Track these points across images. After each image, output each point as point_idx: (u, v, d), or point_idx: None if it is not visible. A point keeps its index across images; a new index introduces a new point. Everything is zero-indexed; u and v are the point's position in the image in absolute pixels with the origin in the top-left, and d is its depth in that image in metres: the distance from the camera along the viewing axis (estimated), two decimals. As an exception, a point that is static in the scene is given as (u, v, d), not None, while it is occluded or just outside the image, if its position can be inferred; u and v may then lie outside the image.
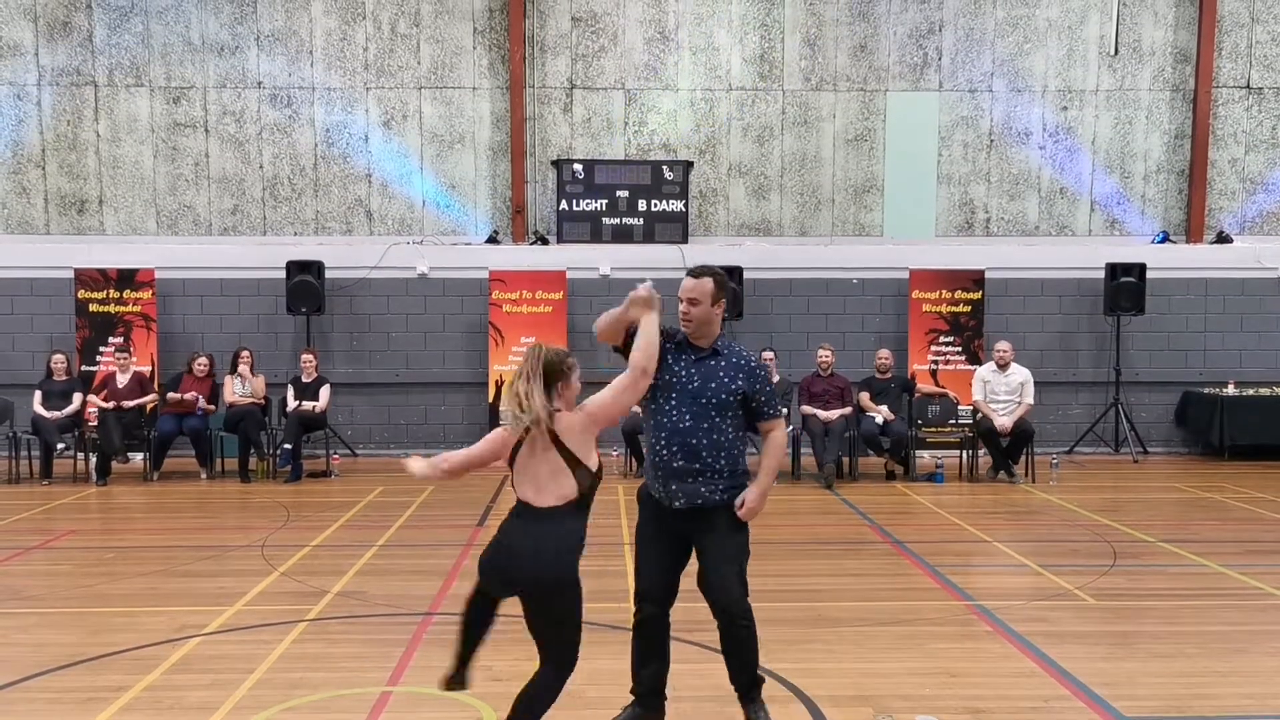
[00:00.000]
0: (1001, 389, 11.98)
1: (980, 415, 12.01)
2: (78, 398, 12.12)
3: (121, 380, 12.24)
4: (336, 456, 12.63)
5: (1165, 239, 14.40)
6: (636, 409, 4.65)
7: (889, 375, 12.38)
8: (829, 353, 12.15)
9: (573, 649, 4.10)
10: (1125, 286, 13.49)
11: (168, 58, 14.05)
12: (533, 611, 4.03)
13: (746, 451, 4.65)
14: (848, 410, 11.92)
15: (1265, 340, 14.19)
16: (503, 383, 12.98)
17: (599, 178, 14.03)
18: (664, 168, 14.08)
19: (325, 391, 12.35)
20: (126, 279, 13.42)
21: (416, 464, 4.21)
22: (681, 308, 4.57)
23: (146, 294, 13.44)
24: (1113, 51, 14.38)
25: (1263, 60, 14.40)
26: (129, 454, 12.17)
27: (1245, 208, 14.60)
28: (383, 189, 14.36)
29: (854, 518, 9.87)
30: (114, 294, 13.42)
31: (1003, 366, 12.04)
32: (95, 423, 12.00)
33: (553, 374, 4.04)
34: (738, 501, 4.54)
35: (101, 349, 13.30)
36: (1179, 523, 9.71)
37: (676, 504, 4.50)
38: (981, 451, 12.21)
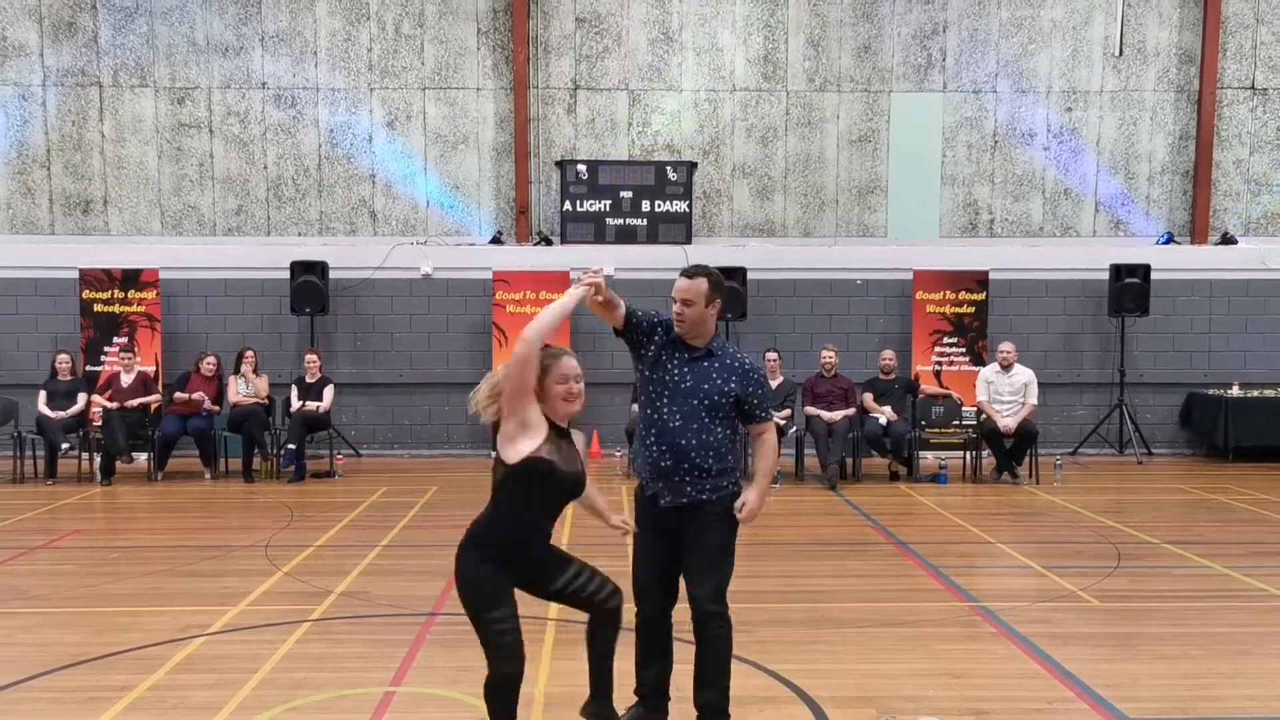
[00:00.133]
0: (1005, 390, 11.98)
1: (984, 416, 12.00)
2: (82, 398, 12.14)
3: (126, 380, 12.27)
4: (340, 457, 12.64)
5: (1170, 240, 14.38)
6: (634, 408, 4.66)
7: (893, 376, 12.38)
8: (833, 353, 12.15)
9: (489, 645, 4.00)
10: (1130, 287, 13.48)
11: (172, 58, 14.07)
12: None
13: (738, 451, 4.64)
14: (851, 411, 11.92)
15: (1270, 341, 14.17)
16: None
17: (603, 178, 14.04)
18: (668, 168, 14.08)
19: (329, 392, 12.36)
20: (131, 279, 13.44)
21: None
22: (675, 309, 4.52)
23: (151, 294, 13.46)
24: (1117, 52, 14.36)
25: (1267, 61, 14.38)
26: (133, 454, 12.19)
27: (1250, 209, 14.58)
28: (387, 189, 14.37)
29: (857, 519, 9.86)
30: (118, 294, 13.44)
31: (1006, 367, 12.03)
32: (100, 423, 12.03)
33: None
34: (737, 505, 4.53)
35: (106, 349, 13.31)
36: (1183, 524, 9.69)
37: (663, 501, 4.50)
38: (985, 452, 12.20)
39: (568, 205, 14.02)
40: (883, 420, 11.92)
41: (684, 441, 4.43)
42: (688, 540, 4.49)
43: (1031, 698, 5.17)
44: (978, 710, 5.00)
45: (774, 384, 12.12)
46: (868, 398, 12.16)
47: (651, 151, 14.37)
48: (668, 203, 14.05)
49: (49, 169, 14.15)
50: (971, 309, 13.78)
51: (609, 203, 14.02)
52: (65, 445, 11.92)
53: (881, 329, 14.00)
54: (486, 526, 4.09)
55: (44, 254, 13.77)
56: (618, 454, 12.07)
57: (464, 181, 14.39)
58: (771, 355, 12.23)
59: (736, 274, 13.34)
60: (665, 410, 4.49)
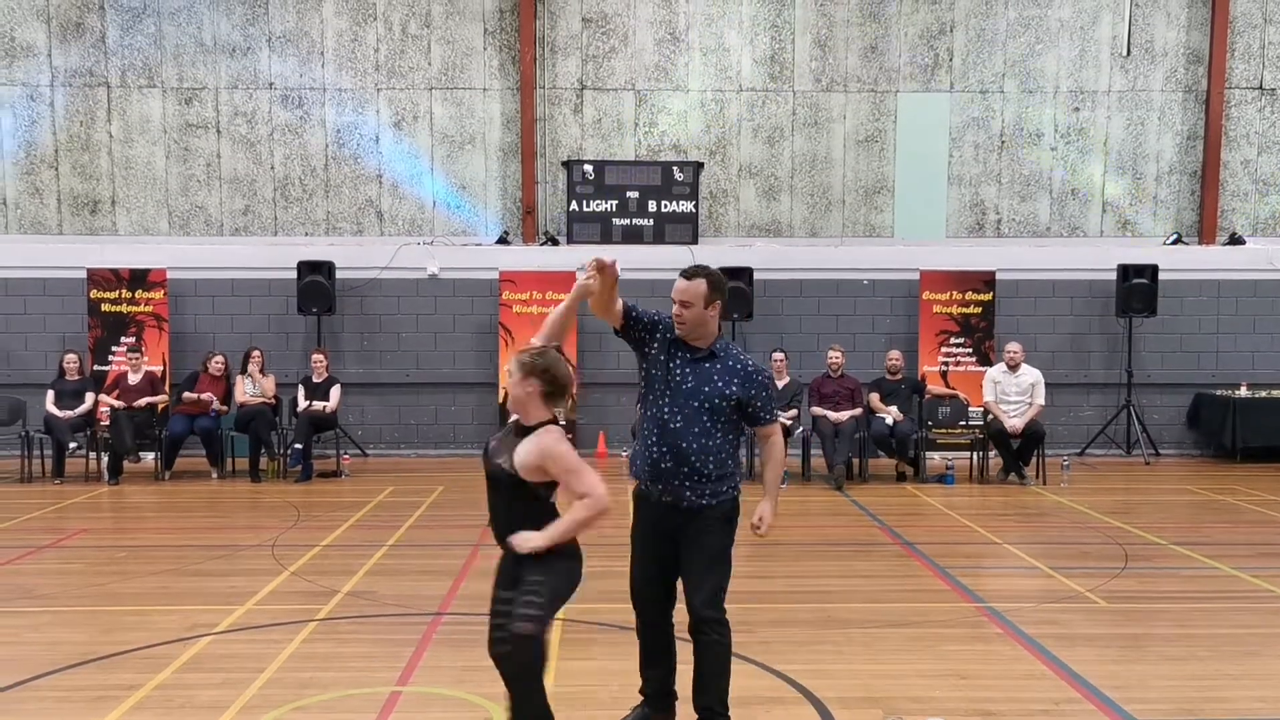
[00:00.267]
0: (1012, 390, 11.95)
1: (991, 417, 11.98)
2: (90, 397, 12.17)
3: (133, 380, 12.29)
4: (347, 456, 12.65)
5: (1178, 240, 14.34)
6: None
7: (899, 376, 12.36)
8: (839, 354, 12.14)
9: None
10: (1137, 288, 13.45)
11: (180, 59, 14.10)
12: None
13: (738, 454, 4.57)
14: (858, 411, 11.91)
15: (1278, 342, 14.13)
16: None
17: (609, 178, 14.04)
18: (674, 169, 14.08)
19: (336, 391, 12.38)
20: (138, 279, 13.47)
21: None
22: (674, 310, 4.46)
23: (158, 294, 13.49)
24: (1125, 52, 14.34)
25: (1275, 61, 14.33)
26: (140, 453, 12.22)
27: (1258, 209, 14.54)
28: (393, 189, 14.39)
29: (864, 519, 9.85)
30: (126, 294, 13.47)
31: (1013, 368, 12.00)
32: (107, 422, 12.06)
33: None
34: (754, 520, 4.51)
35: (114, 349, 13.34)
36: (1191, 525, 9.67)
37: (663, 500, 4.47)
38: (992, 453, 12.18)
39: (574, 205, 14.03)
40: (889, 420, 11.91)
41: (684, 444, 4.38)
42: (685, 544, 4.44)
43: (1038, 698, 5.16)
44: (984, 711, 4.99)
45: (780, 384, 12.12)
46: (874, 398, 12.15)
47: (658, 152, 14.37)
48: (674, 203, 14.05)
49: (57, 169, 14.18)
50: (978, 309, 13.75)
51: (615, 203, 14.02)
52: (73, 445, 11.96)
53: (888, 329, 13.98)
54: None
55: (52, 254, 13.80)
56: (624, 454, 12.07)
57: (470, 182, 14.40)
58: (778, 355, 12.22)
59: (743, 274, 13.34)
60: (667, 411, 4.43)
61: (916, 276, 13.82)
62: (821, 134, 14.42)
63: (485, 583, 4.16)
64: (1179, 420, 14.20)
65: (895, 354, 12.48)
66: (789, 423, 11.84)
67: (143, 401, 12.15)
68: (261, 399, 12.17)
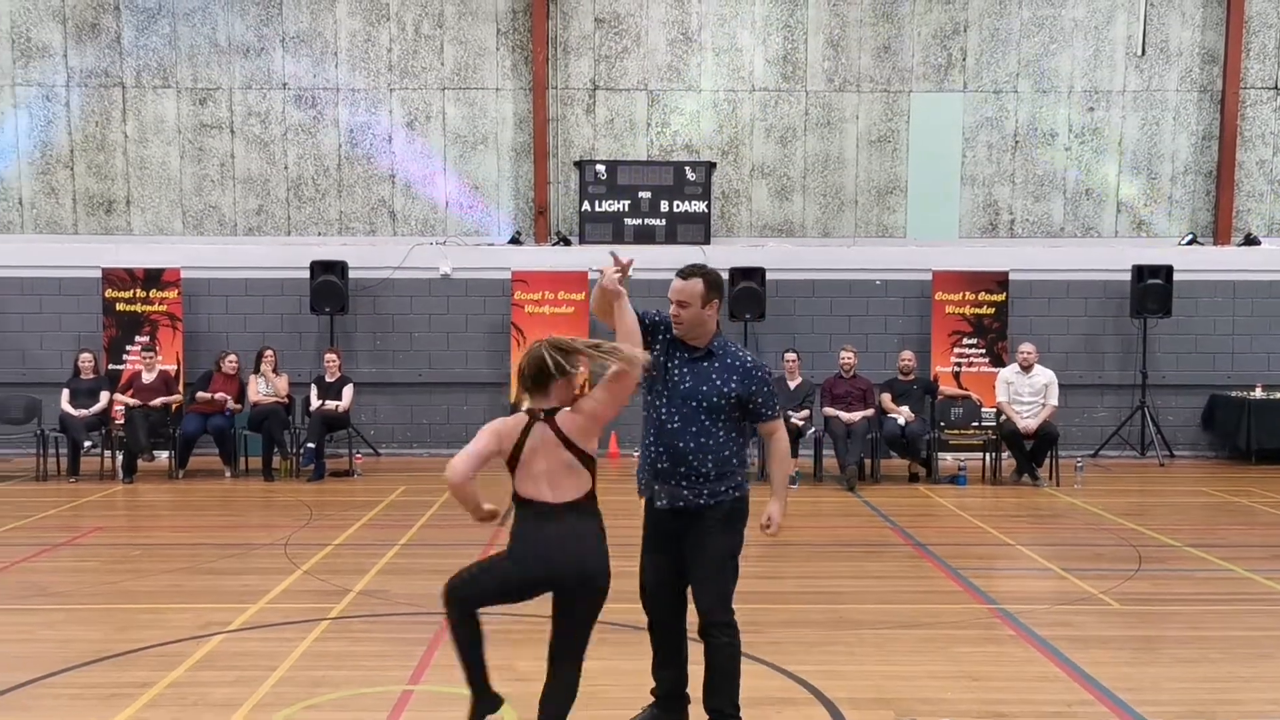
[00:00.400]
0: (1025, 391, 11.92)
1: (1004, 417, 11.95)
2: (105, 396, 12.23)
3: (147, 379, 12.35)
4: (359, 456, 12.69)
5: (1193, 241, 14.28)
6: None
7: (911, 377, 12.34)
8: (851, 354, 12.13)
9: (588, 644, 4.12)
10: (1152, 288, 13.39)
11: (194, 59, 14.16)
12: (571, 609, 4.02)
13: (744, 454, 4.54)
14: (870, 412, 11.89)
15: (1293, 343, 14.08)
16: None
17: (621, 179, 14.05)
18: (686, 169, 14.08)
19: (348, 391, 12.41)
20: (153, 278, 13.53)
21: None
22: (671, 310, 4.44)
23: (172, 293, 13.55)
24: (1140, 52, 14.28)
25: (1292, 60, 14.27)
26: (154, 452, 12.27)
27: (1273, 209, 14.46)
28: (406, 190, 14.42)
29: (876, 520, 9.84)
30: (140, 293, 13.53)
31: (1026, 368, 11.97)
32: (122, 421, 12.12)
33: (550, 372, 3.99)
34: (763, 521, 4.50)
35: (128, 348, 13.41)
36: (1205, 527, 9.63)
37: (659, 503, 4.45)
38: (1005, 454, 12.15)
39: (586, 205, 14.04)
40: (901, 421, 11.89)
41: (681, 444, 4.36)
42: (690, 548, 4.43)
43: (1051, 700, 5.15)
44: (997, 713, 4.98)
45: (792, 384, 12.12)
46: (886, 398, 12.13)
47: (670, 152, 14.37)
48: (686, 203, 14.05)
49: (72, 169, 14.25)
50: (991, 310, 13.71)
51: (628, 203, 14.03)
52: (88, 443, 12.02)
53: (900, 330, 13.95)
54: (603, 525, 4.11)
55: (67, 253, 13.87)
56: (636, 454, 12.06)
57: (483, 182, 14.42)
58: (790, 356, 12.22)
59: (755, 274, 13.34)
60: (664, 412, 4.42)
61: (929, 277, 13.79)
62: (834, 134, 14.40)
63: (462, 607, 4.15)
64: (1194, 422, 14.14)
65: (908, 354, 12.45)
66: (801, 423, 11.84)
67: (157, 401, 12.20)
68: (274, 398, 12.21)
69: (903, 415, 11.91)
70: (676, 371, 4.44)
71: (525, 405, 4.08)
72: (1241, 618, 6.61)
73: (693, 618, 4.50)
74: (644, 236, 14.01)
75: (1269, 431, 13.14)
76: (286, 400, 12.35)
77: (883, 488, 11.61)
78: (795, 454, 11.85)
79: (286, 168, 14.33)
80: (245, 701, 5.06)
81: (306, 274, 13.37)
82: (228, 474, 12.16)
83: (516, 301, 13.63)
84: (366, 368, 13.82)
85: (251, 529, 9.41)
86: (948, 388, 13.05)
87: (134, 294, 13.52)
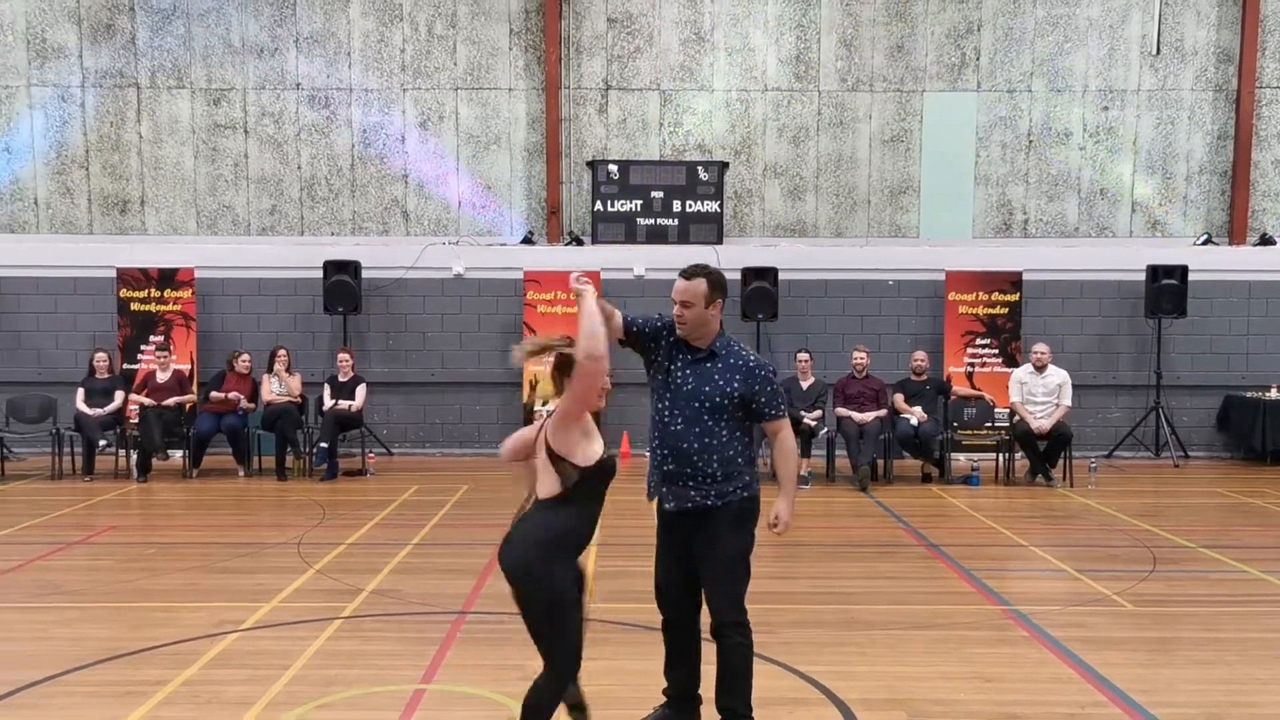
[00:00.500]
0: (1039, 391, 11.87)
1: (1017, 418, 11.90)
2: (119, 395, 12.28)
3: (161, 378, 12.40)
4: (372, 455, 12.71)
5: (1208, 241, 14.21)
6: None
7: (924, 377, 12.30)
8: (864, 354, 12.10)
9: (563, 654, 3.98)
10: (1167, 289, 13.33)
11: (208, 60, 14.21)
12: (517, 603, 4.00)
13: (752, 453, 4.53)
14: (883, 412, 11.86)
15: (1309, 344, 13.99)
16: (536, 382, 13.02)
17: (634, 178, 14.05)
18: (699, 168, 14.07)
19: (361, 390, 12.44)
20: (167, 278, 13.59)
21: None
22: (675, 310, 4.42)
23: (186, 293, 13.60)
24: (1155, 51, 14.22)
25: (1308, 59, 14.18)
26: (169, 451, 12.31)
27: (1289, 209, 14.39)
28: (419, 189, 14.44)
29: (888, 520, 9.82)
30: (155, 293, 13.58)
31: (1040, 369, 11.92)
32: (136, 420, 12.17)
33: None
34: (771, 520, 4.50)
35: (142, 347, 13.46)
36: (1220, 528, 9.58)
37: (667, 506, 4.44)
38: (1018, 455, 12.10)
39: (599, 205, 14.04)
40: (914, 421, 11.86)
41: (686, 445, 4.36)
42: (700, 549, 4.42)
43: (1064, 702, 5.13)
44: (1009, 715, 4.96)
45: (805, 385, 12.10)
46: (899, 399, 12.10)
47: (683, 151, 14.36)
48: (699, 203, 14.04)
49: (87, 169, 14.32)
50: (1005, 310, 13.67)
51: (640, 203, 14.03)
52: (102, 442, 12.07)
53: (913, 330, 13.92)
54: (566, 530, 4.00)
55: (82, 253, 13.94)
56: (648, 454, 12.06)
57: (496, 182, 14.44)
58: (803, 356, 12.20)
59: (768, 274, 13.32)
60: (668, 414, 4.41)
61: (942, 277, 13.75)
62: (847, 134, 14.37)
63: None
64: (1208, 422, 14.07)
65: (920, 355, 12.42)
66: (813, 424, 11.82)
67: (170, 400, 12.24)
68: (288, 398, 12.25)
69: (915, 416, 11.88)
70: (680, 373, 4.44)
71: (538, 406, 4.11)
72: (1257, 619, 6.58)
73: (706, 618, 4.49)
74: (656, 236, 14.00)
75: (1285, 432, 13.07)
76: (300, 400, 12.39)
77: (895, 488, 11.58)
78: (808, 454, 11.85)
79: (300, 168, 14.37)
80: (258, 700, 5.08)
81: (320, 274, 13.41)
82: (241, 473, 12.20)
83: (529, 301, 13.64)
84: (379, 367, 13.85)
85: (264, 528, 9.44)
86: (961, 388, 13.00)
87: (148, 294, 13.57)
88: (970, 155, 14.38)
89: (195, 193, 14.37)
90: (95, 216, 14.37)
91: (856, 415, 11.77)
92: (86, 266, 13.82)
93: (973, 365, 13.62)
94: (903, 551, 8.55)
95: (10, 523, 9.42)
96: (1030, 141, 14.39)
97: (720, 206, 14.06)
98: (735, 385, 4.39)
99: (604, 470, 4.02)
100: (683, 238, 13.99)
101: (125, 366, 13.30)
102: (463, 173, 14.42)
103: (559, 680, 3.99)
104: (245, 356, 12.38)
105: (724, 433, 4.39)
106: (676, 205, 14.01)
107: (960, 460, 12.51)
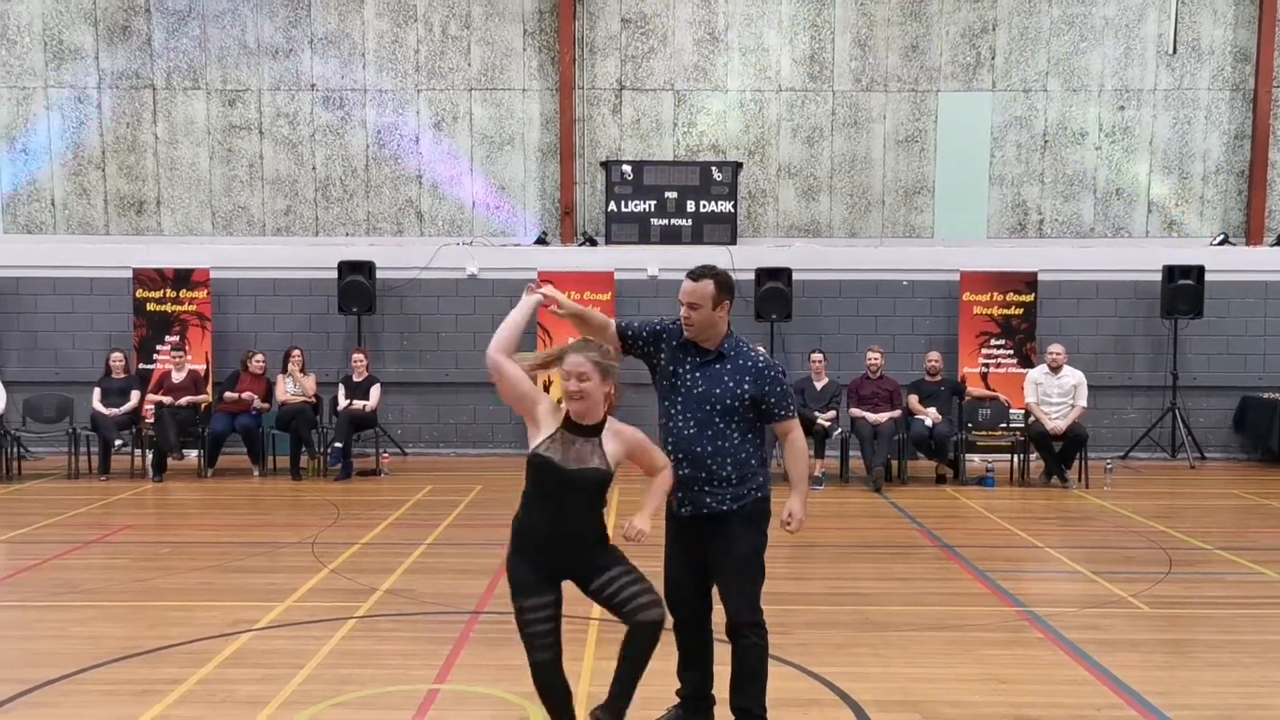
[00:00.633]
0: (1054, 392, 11.83)
1: (1032, 419, 11.86)
2: (135, 395, 12.34)
3: (177, 378, 12.45)
4: (386, 455, 12.74)
5: (1224, 241, 14.13)
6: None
7: (939, 378, 12.27)
8: (878, 355, 12.08)
9: (520, 633, 4.21)
10: (1183, 289, 13.26)
11: (224, 61, 14.27)
12: None
13: (763, 454, 4.51)
14: (897, 413, 11.84)
15: (1327, 344, 13.90)
16: (551, 383, 13.02)
17: (648, 179, 14.05)
18: (713, 169, 14.06)
19: (375, 391, 12.47)
20: (183, 279, 13.64)
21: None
22: (682, 312, 4.39)
23: (202, 293, 13.65)
24: (1171, 50, 14.15)
25: (1326, 58, 14.09)
26: (184, 451, 12.36)
27: (1307, 209, 14.30)
28: (433, 190, 14.47)
29: (903, 521, 9.79)
30: (170, 293, 13.64)
31: (1055, 369, 11.88)
32: (152, 420, 12.22)
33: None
34: (784, 518, 4.48)
35: (158, 347, 13.51)
36: (1236, 530, 9.53)
37: (684, 511, 4.41)
38: (1033, 455, 12.06)
39: (613, 206, 14.05)
40: (928, 422, 11.83)
41: (699, 449, 4.33)
42: (715, 552, 4.41)
43: (1079, 704, 5.10)
44: (1024, 717, 4.94)
45: (819, 385, 12.08)
46: (913, 400, 12.07)
47: (697, 152, 14.35)
48: (713, 203, 14.03)
49: (104, 170, 14.39)
50: (1020, 310, 13.62)
51: (654, 203, 14.03)
52: (118, 442, 12.13)
53: (928, 330, 13.88)
54: (516, 518, 4.27)
55: (99, 254, 14.01)
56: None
57: (510, 182, 14.45)
58: (817, 356, 12.18)
59: (782, 275, 13.30)
60: (680, 418, 4.39)
61: (957, 277, 13.71)
62: (861, 134, 14.34)
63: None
64: (1225, 423, 14.00)
65: (935, 355, 12.39)
66: (827, 424, 11.80)
67: (183, 400, 12.28)
68: (302, 398, 12.29)
69: (930, 417, 11.84)
70: (689, 375, 4.41)
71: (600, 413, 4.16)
72: (1274, 622, 6.54)
73: (719, 618, 4.49)
74: (670, 237, 14.00)
75: (1302, 434, 13.00)
76: (314, 400, 12.42)
77: (910, 489, 11.55)
78: (822, 455, 11.83)
79: (314, 168, 14.41)
80: (273, 699, 5.09)
81: (334, 274, 13.45)
82: (256, 473, 12.25)
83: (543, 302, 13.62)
84: (393, 367, 13.88)
85: (279, 528, 9.47)
86: (975, 389, 12.96)
87: (164, 294, 13.63)
88: (985, 155, 14.34)
89: (210, 193, 14.43)
90: (111, 217, 14.44)
91: (870, 416, 11.74)
92: (103, 267, 13.89)
93: (987, 366, 13.58)
94: (917, 553, 8.53)
95: (27, 522, 9.48)
96: (1046, 141, 14.33)
97: (734, 207, 14.05)
98: (746, 387, 4.37)
99: (531, 466, 4.19)
100: (696, 238, 13.98)
101: (141, 366, 13.36)
102: (477, 173, 14.44)
103: None
104: (259, 356, 12.43)
105: (736, 435, 4.37)
106: (690, 205, 14.01)
107: (975, 461, 12.48)
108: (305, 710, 4.96)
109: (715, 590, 4.54)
